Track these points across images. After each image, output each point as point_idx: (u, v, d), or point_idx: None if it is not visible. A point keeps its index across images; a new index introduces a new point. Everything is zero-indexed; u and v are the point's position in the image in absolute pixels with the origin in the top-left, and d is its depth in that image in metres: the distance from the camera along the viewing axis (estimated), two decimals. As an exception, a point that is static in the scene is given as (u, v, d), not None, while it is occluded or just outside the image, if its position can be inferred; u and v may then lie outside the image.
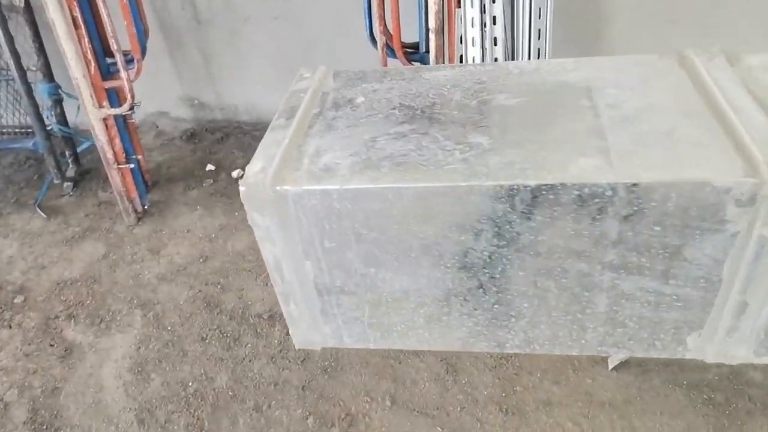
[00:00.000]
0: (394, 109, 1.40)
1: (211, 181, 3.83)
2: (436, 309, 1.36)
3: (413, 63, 3.08)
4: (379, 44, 3.01)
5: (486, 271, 1.27)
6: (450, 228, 1.22)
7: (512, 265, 1.24)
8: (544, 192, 1.13)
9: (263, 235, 1.30)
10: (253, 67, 4.02)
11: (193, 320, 2.97)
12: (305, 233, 1.27)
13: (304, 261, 1.33)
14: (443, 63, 3.00)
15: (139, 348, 2.87)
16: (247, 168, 1.32)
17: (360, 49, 3.61)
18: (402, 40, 3.03)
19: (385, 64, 3.06)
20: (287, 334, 2.89)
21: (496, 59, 2.91)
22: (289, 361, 2.76)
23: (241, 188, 1.28)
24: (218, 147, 4.15)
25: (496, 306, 1.33)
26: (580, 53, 3.50)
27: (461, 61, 3.01)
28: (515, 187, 1.14)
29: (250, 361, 2.76)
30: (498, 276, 1.27)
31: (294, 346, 2.88)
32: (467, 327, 1.37)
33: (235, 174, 3.83)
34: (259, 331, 2.90)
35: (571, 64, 1.46)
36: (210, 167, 3.93)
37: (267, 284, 3.11)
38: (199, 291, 3.11)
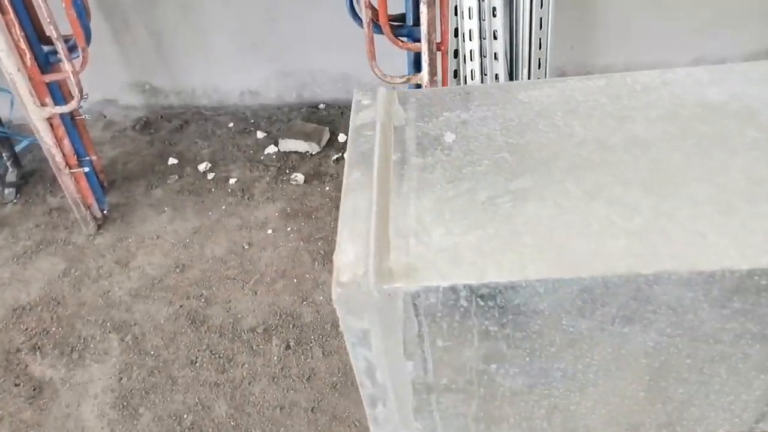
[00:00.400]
0: (502, 151, 1.01)
1: (176, 177, 3.28)
2: (564, 399, 1.03)
3: (401, 39, 2.64)
4: (365, 20, 2.54)
5: (644, 361, 0.94)
6: (612, 321, 0.88)
7: (680, 353, 0.92)
8: (756, 277, 0.80)
9: (358, 340, 0.92)
10: (210, 44, 3.42)
11: (178, 341, 2.53)
12: (413, 334, 0.90)
13: (404, 362, 0.96)
14: (436, 37, 2.58)
15: (121, 379, 2.42)
16: (336, 259, 0.91)
17: (336, 21, 3.12)
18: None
19: (372, 43, 2.60)
20: (287, 348, 2.51)
21: (495, 32, 2.51)
22: (294, 380, 2.39)
23: (336, 290, 0.87)
24: (178, 137, 3.57)
25: (642, 393, 1.01)
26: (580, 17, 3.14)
27: (456, 35, 2.60)
28: (717, 273, 0.80)
29: (249, 383, 2.38)
30: (657, 366, 0.95)
31: (296, 363, 2.54)
32: (599, 415, 1.05)
33: (202, 167, 3.31)
34: (254, 347, 2.50)
35: (705, 74, 1.11)
36: (172, 161, 3.38)
37: (256, 293, 2.69)
38: (181, 306, 2.66)
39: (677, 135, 1.01)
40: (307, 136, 3.31)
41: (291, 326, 2.58)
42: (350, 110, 3.50)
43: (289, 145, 3.31)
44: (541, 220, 0.90)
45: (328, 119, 3.53)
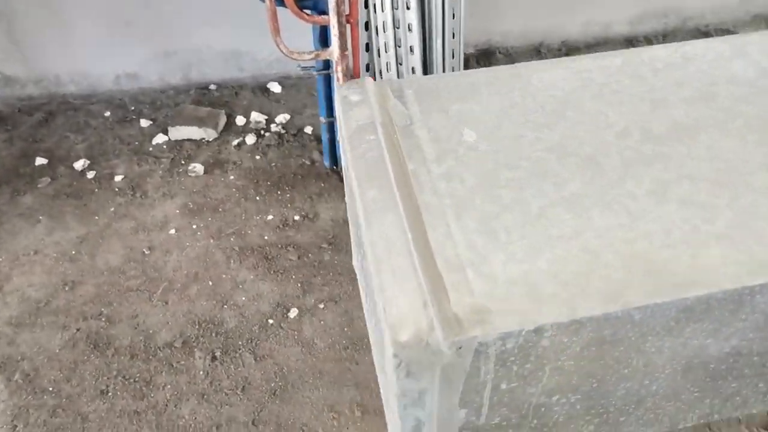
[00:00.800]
0: (537, 149, 0.83)
1: (48, 180, 2.76)
2: (618, 413, 0.90)
3: (305, 12, 2.35)
4: (267, -9, 2.21)
5: (712, 366, 0.83)
6: (699, 334, 0.75)
7: (752, 353, 0.82)
8: None
9: (411, 402, 0.71)
10: (73, 24, 2.88)
11: (81, 371, 2.13)
12: (475, 383, 0.71)
13: (457, 411, 0.77)
14: (345, 9, 2.32)
15: (15, 427, 2.00)
16: (386, 311, 0.68)
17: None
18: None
19: (275, 18, 2.29)
20: (212, 359, 2.21)
21: (407, 2, 2.31)
22: (226, 394, 2.11)
23: (396, 354, 0.65)
24: (43, 132, 3.00)
25: (697, 393, 0.91)
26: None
27: (366, 6, 2.36)
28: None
29: (175, 405, 2.06)
30: (723, 368, 0.84)
31: (226, 374, 2.25)
32: (646, 419, 0.94)
33: (79, 165, 2.80)
34: (174, 364, 2.18)
35: (723, 46, 1.00)
36: (41, 161, 2.83)
37: (167, 303, 2.34)
38: (78, 330, 2.24)
39: (722, 118, 0.90)
40: (200, 122, 2.92)
41: (213, 334, 2.27)
42: (246, 90, 3.09)
43: (181, 132, 2.91)
44: (615, 231, 0.75)
45: (221, 101, 3.15)
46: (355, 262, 1.42)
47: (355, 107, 0.89)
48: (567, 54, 3.44)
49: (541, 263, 0.72)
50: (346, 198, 1.22)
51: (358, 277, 1.44)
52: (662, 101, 0.94)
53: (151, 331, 2.25)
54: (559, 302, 0.69)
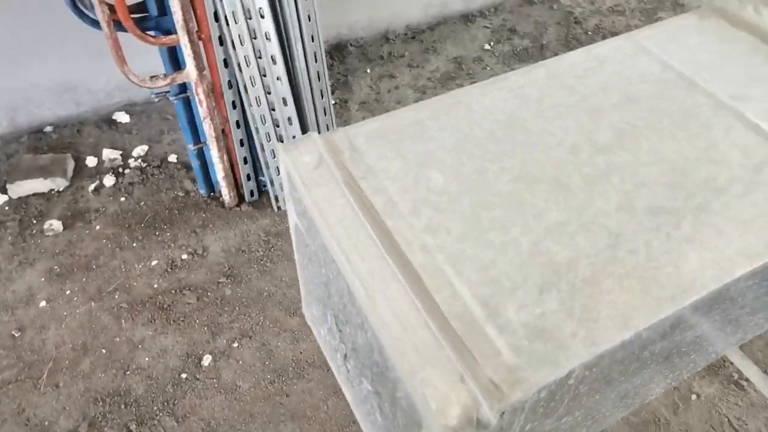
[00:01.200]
0: (503, 181, 0.80)
1: None
2: (605, 411, 0.93)
3: (148, 33, 2.12)
4: (103, 19, 1.95)
5: (684, 349, 0.88)
6: (684, 331, 0.78)
7: (715, 328, 0.88)
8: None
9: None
10: None
11: (-29, 494, 1.81)
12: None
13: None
14: (194, 25, 2.12)
15: None
16: (428, 397, 0.60)
17: (41, 19, 2.37)
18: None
19: (117, 45, 2.03)
20: (128, 435, 1.98)
21: (260, 9, 2.17)
22: (155, 468, 1.91)
23: None
24: None
25: (666, 372, 0.97)
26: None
27: (216, 20, 2.17)
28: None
29: (99, 498, 1.83)
30: (692, 348, 0.90)
31: (149, 446, 2.02)
32: (625, 409, 0.99)
33: None
34: (86, 453, 1.92)
35: (626, 44, 1.02)
36: None
37: (57, 386, 2.05)
38: (-47, 447, 1.89)
39: (651, 118, 0.94)
40: (44, 171, 2.54)
41: (122, 407, 2.04)
42: (89, 125, 2.75)
43: (23, 187, 2.51)
44: (605, 255, 0.75)
45: (63, 143, 2.76)
46: (307, 312, 1.32)
47: (311, 169, 0.80)
48: (414, 38, 3.47)
49: (552, 304, 0.71)
50: (297, 255, 1.12)
51: (314, 329, 1.34)
52: (596, 110, 0.96)
53: (46, 423, 1.95)
54: (581, 341, 0.68)
